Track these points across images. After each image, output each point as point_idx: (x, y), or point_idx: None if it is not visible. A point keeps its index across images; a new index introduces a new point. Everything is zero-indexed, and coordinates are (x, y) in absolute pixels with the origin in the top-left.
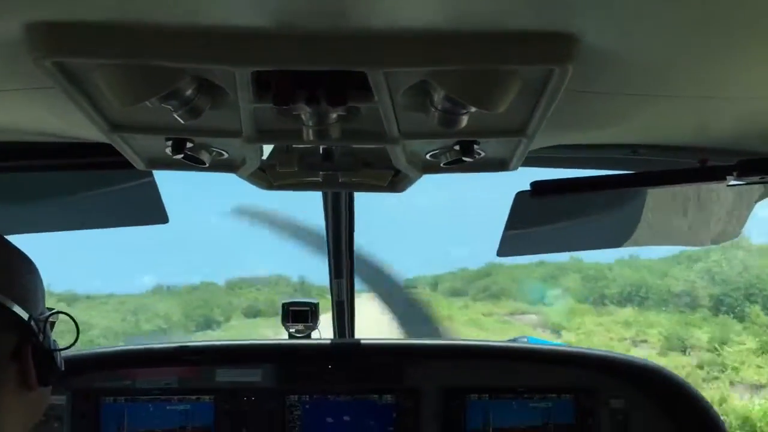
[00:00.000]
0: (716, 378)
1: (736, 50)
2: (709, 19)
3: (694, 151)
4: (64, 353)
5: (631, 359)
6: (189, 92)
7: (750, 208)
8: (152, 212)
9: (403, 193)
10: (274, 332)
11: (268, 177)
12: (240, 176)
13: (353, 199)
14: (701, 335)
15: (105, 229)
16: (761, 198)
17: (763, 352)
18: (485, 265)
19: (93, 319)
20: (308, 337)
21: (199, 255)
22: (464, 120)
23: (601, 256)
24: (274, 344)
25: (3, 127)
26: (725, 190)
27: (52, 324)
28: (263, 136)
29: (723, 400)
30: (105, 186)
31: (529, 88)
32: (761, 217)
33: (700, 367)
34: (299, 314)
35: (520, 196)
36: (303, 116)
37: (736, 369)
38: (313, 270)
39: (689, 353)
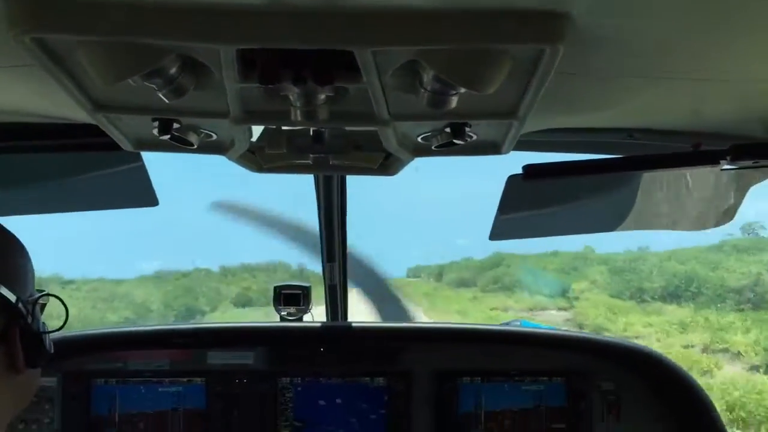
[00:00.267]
0: None
1: (732, 32)
2: None
3: (687, 135)
4: (55, 335)
5: (622, 343)
6: (173, 71)
7: (745, 191)
8: (142, 195)
9: (406, 190)
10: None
11: (257, 159)
12: (229, 158)
13: (345, 183)
14: None
15: (100, 214)
16: (759, 181)
17: None
18: (492, 254)
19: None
20: (300, 320)
21: (196, 240)
22: (454, 101)
23: (615, 245)
24: (266, 327)
25: None
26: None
27: (43, 306)
28: (251, 117)
29: None
30: (94, 169)
31: (519, 69)
32: None
33: None
34: (291, 297)
35: (512, 179)
36: (291, 97)
37: None
38: (314, 257)
39: None
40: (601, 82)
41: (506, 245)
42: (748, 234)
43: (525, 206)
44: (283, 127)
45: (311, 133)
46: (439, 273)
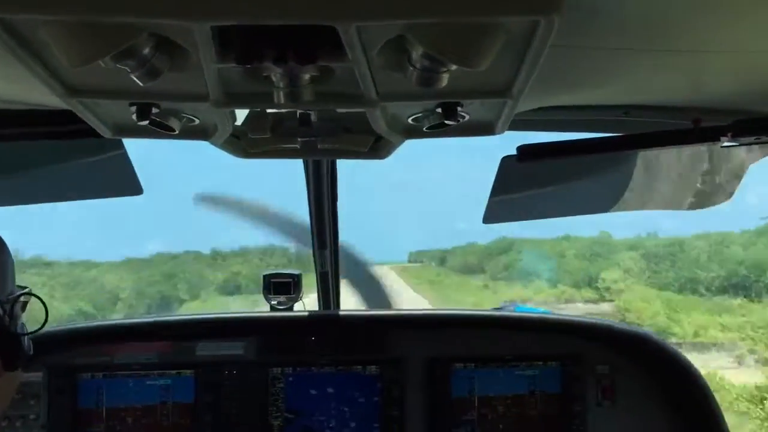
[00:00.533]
0: None
1: (732, 2)
2: None
3: (687, 111)
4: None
5: (617, 325)
6: (146, 51)
7: (746, 168)
8: (125, 184)
9: (401, 172)
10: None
11: (242, 145)
12: (213, 144)
13: (336, 167)
14: None
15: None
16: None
17: None
18: (497, 239)
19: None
20: (291, 309)
21: (188, 222)
22: (444, 79)
23: (626, 229)
24: (255, 317)
25: None
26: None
27: (24, 305)
28: (232, 100)
29: None
30: (74, 158)
31: (513, 44)
32: None
33: None
34: (281, 286)
35: (506, 160)
36: (273, 78)
37: None
38: (305, 248)
39: None
40: (597, 55)
41: (514, 230)
42: None
43: (519, 188)
44: (269, 110)
45: (298, 115)
46: (441, 258)
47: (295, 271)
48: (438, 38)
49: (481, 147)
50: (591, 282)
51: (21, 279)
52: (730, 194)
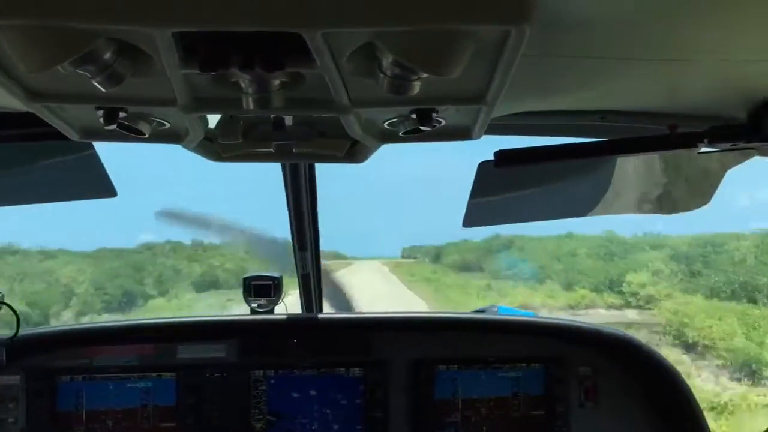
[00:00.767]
0: None
1: (704, 12)
2: None
3: (663, 117)
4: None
5: (600, 328)
6: (107, 56)
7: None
8: (98, 185)
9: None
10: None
11: (216, 148)
12: (186, 147)
13: (314, 168)
14: None
15: None
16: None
17: None
18: (492, 236)
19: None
20: (271, 312)
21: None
22: (416, 87)
23: (626, 228)
24: (236, 320)
25: None
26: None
27: None
28: (201, 105)
29: None
30: (42, 159)
31: (485, 52)
32: None
33: None
34: (261, 288)
35: (483, 165)
36: (242, 84)
37: None
38: (276, 267)
39: None
40: (572, 63)
41: (513, 227)
42: None
43: (498, 192)
44: (240, 115)
45: (272, 119)
46: (436, 254)
47: (276, 274)
48: (408, 46)
49: (469, 144)
50: (613, 285)
51: None
52: (707, 199)
